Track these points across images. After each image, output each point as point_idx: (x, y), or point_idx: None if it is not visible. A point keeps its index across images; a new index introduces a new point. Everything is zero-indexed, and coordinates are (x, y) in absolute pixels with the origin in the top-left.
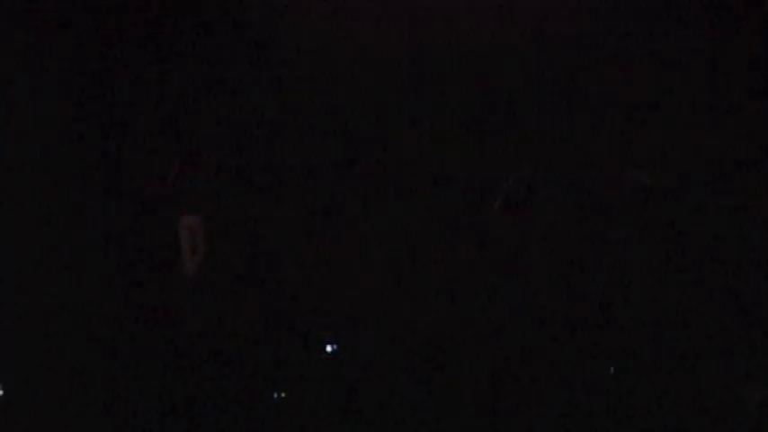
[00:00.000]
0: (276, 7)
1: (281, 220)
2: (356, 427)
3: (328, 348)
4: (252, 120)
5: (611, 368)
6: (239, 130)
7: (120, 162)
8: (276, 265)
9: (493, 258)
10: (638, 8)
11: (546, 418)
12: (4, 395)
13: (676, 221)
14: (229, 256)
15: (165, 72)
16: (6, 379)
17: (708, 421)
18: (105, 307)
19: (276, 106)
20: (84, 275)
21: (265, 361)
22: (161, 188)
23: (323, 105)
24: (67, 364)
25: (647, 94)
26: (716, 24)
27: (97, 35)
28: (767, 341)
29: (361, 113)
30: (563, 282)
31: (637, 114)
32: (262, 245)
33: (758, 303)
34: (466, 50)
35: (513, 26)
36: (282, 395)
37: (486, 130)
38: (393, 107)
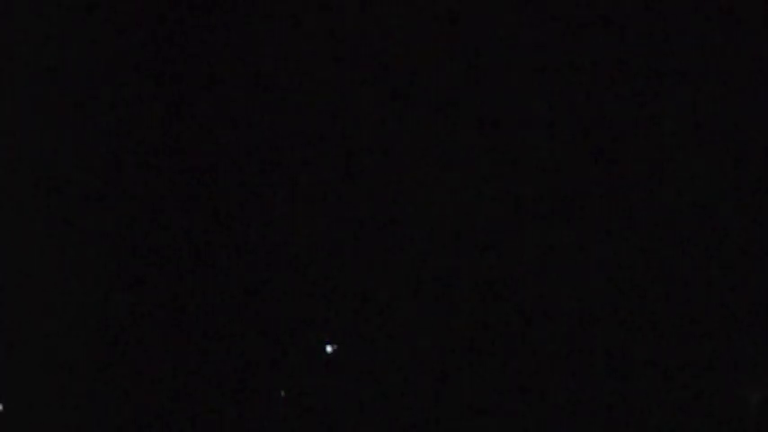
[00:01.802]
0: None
1: (280, 219)
2: (356, 426)
3: (328, 348)
4: (252, 119)
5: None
6: (241, 130)
7: (121, 161)
8: (276, 265)
9: (493, 257)
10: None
11: (546, 417)
12: (3, 411)
13: (676, 221)
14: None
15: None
16: (6, 396)
17: (708, 421)
18: (104, 308)
19: (276, 106)
20: (83, 277)
21: (265, 361)
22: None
23: (323, 107)
24: (63, 362)
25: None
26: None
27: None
28: (767, 341)
29: (359, 114)
30: (563, 281)
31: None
32: (262, 244)
33: (758, 303)
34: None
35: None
36: (282, 395)
37: (488, 131)
38: (392, 108)
